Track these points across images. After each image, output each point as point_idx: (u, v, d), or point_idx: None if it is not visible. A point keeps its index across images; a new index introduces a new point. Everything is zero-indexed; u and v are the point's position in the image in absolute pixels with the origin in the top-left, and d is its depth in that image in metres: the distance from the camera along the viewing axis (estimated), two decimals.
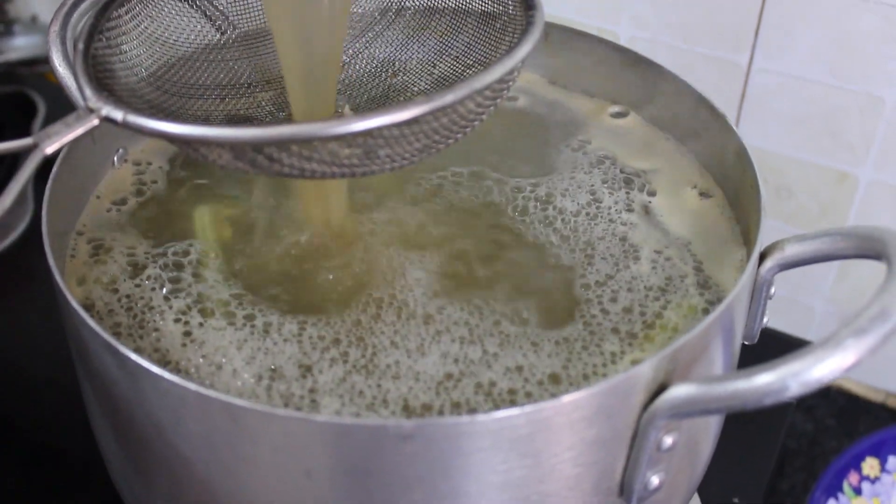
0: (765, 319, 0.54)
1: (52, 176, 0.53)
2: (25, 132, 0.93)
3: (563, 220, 0.56)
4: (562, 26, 0.66)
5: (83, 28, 0.49)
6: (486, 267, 0.53)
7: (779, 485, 0.79)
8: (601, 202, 0.57)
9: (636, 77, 0.64)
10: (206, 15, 0.58)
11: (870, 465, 0.78)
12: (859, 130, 0.78)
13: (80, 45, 0.48)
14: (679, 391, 0.42)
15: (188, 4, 0.57)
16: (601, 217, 0.56)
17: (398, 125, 0.42)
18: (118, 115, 0.43)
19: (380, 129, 0.42)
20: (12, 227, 0.85)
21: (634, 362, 0.48)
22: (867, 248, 0.46)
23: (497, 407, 0.46)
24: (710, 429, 0.52)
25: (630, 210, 0.57)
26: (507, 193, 0.58)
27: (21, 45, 1.05)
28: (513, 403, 0.46)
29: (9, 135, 0.93)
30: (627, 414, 0.43)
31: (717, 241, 0.56)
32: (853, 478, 0.77)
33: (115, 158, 0.61)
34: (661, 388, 0.43)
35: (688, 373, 0.45)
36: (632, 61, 0.64)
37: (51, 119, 0.95)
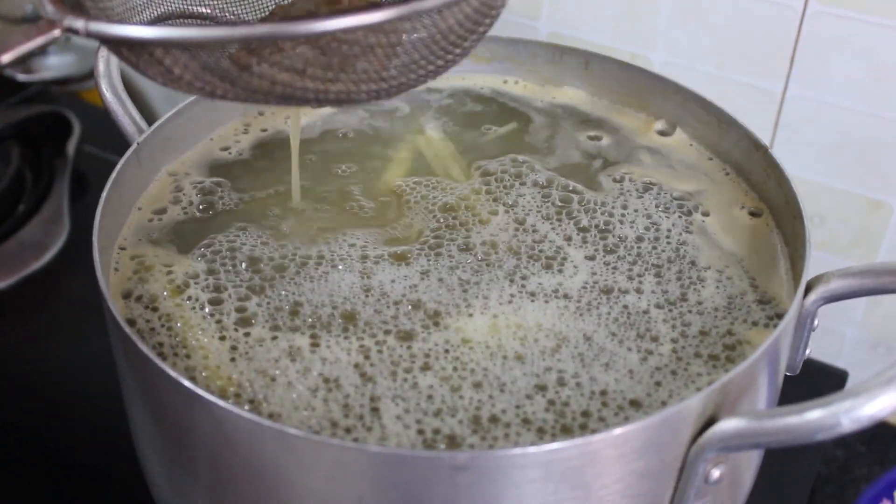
0: (807, 351, 0.54)
1: (101, 201, 0.53)
2: (61, 150, 0.94)
3: (625, 246, 0.56)
4: (602, 56, 0.67)
5: None
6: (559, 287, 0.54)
7: None
8: (659, 226, 0.57)
9: (676, 106, 0.64)
10: None
11: None
12: (893, 159, 0.78)
13: None
14: (729, 425, 0.43)
15: None
16: (661, 240, 0.57)
17: (373, 28, 0.41)
18: (79, 24, 0.41)
19: (353, 29, 0.40)
20: (48, 246, 0.86)
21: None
22: None
23: (565, 427, 0.46)
24: (753, 460, 0.52)
25: (689, 231, 0.57)
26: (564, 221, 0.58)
27: (55, 65, 1.06)
28: (583, 428, 0.46)
29: (45, 153, 0.94)
30: (677, 447, 0.44)
31: (769, 258, 0.56)
32: None
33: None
34: (710, 422, 0.44)
35: (735, 405, 0.45)
36: (673, 90, 0.64)
37: (86, 138, 0.96)
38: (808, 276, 0.51)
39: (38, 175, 0.92)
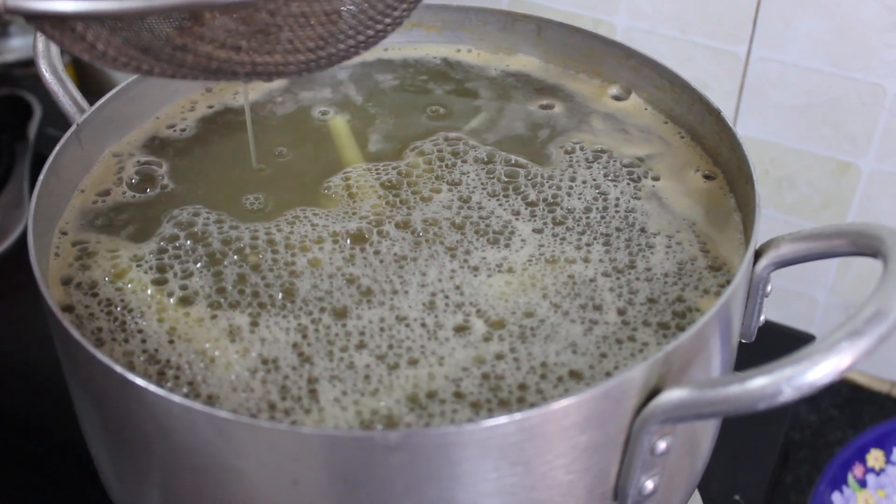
0: (762, 317, 0.53)
1: (39, 182, 0.52)
2: (21, 134, 0.93)
3: (574, 218, 0.55)
4: (556, 22, 0.65)
5: None
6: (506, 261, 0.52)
7: (783, 478, 0.78)
8: (608, 195, 0.56)
9: (630, 71, 0.63)
10: None
11: (875, 457, 0.77)
12: (860, 120, 0.77)
13: None
14: (671, 396, 0.42)
15: None
16: (610, 209, 0.55)
17: None
18: None
19: None
20: (9, 230, 0.85)
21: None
22: (863, 245, 0.45)
23: (502, 401, 0.45)
24: (708, 429, 0.51)
25: (637, 198, 0.56)
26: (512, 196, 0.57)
27: (17, 47, 1.05)
28: (521, 402, 0.45)
29: (5, 137, 0.92)
30: (620, 419, 0.43)
31: (721, 221, 0.55)
32: (858, 470, 0.76)
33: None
34: (655, 392, 0.43)
35: (684, 374, 0.44)
36: (626, 55, 0.63)
37: (47, 120, 0.95)
38: (758, 240, 0.50)
39: None
